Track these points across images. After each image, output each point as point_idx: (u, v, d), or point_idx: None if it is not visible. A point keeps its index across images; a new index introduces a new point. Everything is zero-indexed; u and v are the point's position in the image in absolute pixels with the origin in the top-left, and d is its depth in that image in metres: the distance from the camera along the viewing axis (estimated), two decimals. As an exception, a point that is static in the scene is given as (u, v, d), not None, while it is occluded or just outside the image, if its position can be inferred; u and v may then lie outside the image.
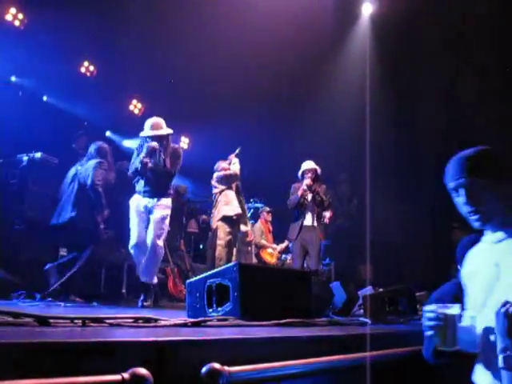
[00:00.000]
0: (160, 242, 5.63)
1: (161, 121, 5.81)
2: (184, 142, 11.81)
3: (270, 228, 9.24)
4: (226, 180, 7.00)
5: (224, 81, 9.48)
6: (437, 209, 10.11)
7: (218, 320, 2.87)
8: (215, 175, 7.07)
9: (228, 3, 8.13)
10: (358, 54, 9.28)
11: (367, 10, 9.64)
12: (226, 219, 6.83)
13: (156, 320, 2.57)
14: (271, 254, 8.90)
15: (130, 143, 11.19)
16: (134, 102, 10.84)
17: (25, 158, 6.54)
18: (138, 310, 4.52)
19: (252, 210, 9.54)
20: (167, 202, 5.72)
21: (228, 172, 7.02)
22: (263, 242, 8.88)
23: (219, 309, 3.17)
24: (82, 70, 9.66)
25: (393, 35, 9.28)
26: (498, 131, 9.25)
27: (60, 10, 8.14)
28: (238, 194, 7.10)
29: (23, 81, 8.93)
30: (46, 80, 8.90)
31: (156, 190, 5.68)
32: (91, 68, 9.75)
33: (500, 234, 1.95)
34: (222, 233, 6.78)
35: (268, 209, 9.23)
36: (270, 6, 8.27)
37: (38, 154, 6.50)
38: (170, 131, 5.80)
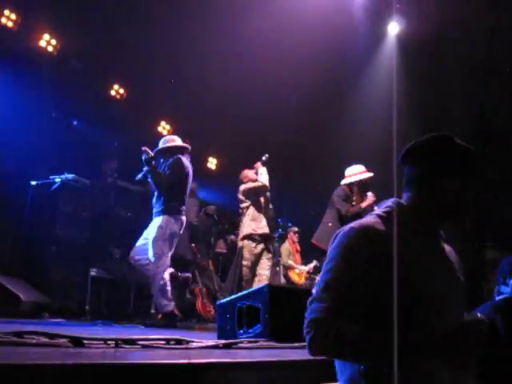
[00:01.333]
0: (154, 267, 5.45)
1: (173, 137, 5.86)
2: (212, 163, 11.90)
3: (298, 248, 9.21)
4: (255, 193, 6.35)
5: (252, 101, 9.55)
6: (467, 227, 9.97)
7: (249, 342, 2.86)
8: (242, 188, 6.41)
9: (255, 24, 8.21)
10: (384, 73, 9.27)
11: (393, 29, 9.64)
12: (251, 237, 6.26)
13: (187, 341, 2.58)
14: (299, 274, 8.86)
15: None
16: (163, 123, 10.98)
17: (57, 180, 6.67)
18: (169, 331, 4.52)
19: (280, 231, 9.53)
20: (158, 220, 5.49)
21: (256, 184, 6.32)
22: (290, 262, 8.84)
23: (249, 330, 3.16)
24: (112, 92, 9.84)
25: (419, 55, 9.26)
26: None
27: (91, 35, 8.36)
28: (266, 206, 6.48)
29: (55, 104, 9.13)
30: (78, 103, 9.09)
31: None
32: (121, 91, 9.93)
33: None
34: (248, 252, 6.23)
35: (296, 229, 9.20)
36: (295, 26, 8.33)
37: (70, 176, 6.62)
38: (168, 145, 5.69)
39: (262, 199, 6.42)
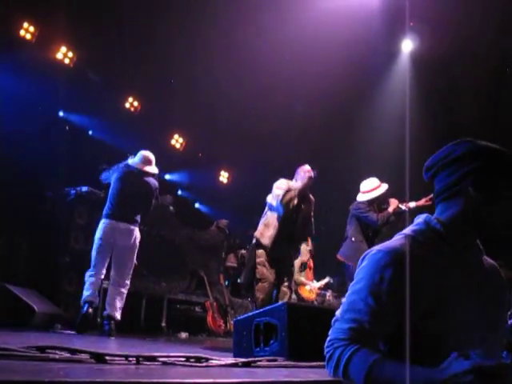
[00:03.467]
0: None
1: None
2: (224, 177, 11.94)
3: (311, 265, 9.17)
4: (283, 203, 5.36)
5: (264, 116, 9.59)
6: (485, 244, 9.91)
7: (268, 360, 2.85)
8: (275, 193, 5.51)
9: (270, 40, 8.27)
10: (397, 91, 9.29)
11: (407, 47, 9.68)
12: (258, 244, 5.45)
13: (207, 359, 2.58)
14: (310, 290, 8.81)
15: (170, 176, 11.38)
16: (176, 136, 11.05)
17: (72, 192, 6.72)
18: (186, 348, 4.51)
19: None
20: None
21: (288, 194, 5.41)
22: (302, 278, 8.80)
23: (266, 348, 3.15)
24: (127, 105, 9.93)
25: (433, 72, 9.28)
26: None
27: (107, 47, 8.45)
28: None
29: (70, 116, 9.22)
30: (93, 115, 9.19)
31: None
32: (135, 103, 10.02)
33: None
34: (266, 270, 5.33)
35: (308, 247, 9.13)
36: (309, 44, 8.37)
37: (85, 188, 6.66)
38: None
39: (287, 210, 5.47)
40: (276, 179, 5.68)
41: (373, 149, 9.60)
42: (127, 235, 5.57)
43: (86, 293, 5.38)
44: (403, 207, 6.23)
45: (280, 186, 5.48)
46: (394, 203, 6.13)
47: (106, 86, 9.16)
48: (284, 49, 8.47)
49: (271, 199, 5.50)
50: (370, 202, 6.17)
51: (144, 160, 5.86)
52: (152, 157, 5.96)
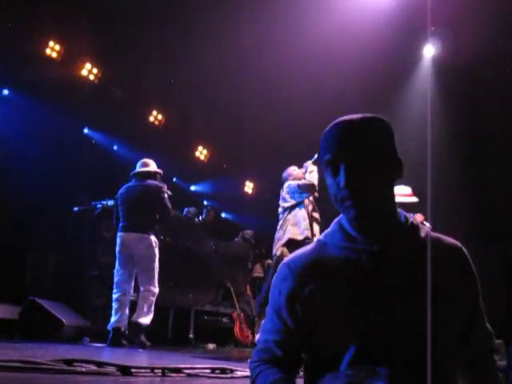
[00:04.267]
0: None
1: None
2: (249, 187, 11.97)
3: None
4: (301, 192, 5.54)
5: (288, 128, 9.61)
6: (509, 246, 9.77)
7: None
8: (287, 184, 5.63)
9: (293, 52, 8.30)
10: (420, 96, 9.23)
11: (429, 52, 9.61)
12: (292, 244, 5.30)
13: (232, 371, 2.59)
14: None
15: (195, 187, 11.45)
16: (200, 148, 11.13)
17: (99, 206, 6.82)
18: (212, 360, 4.52)
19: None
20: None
21: (305, 181, 5.57)
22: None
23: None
24: (151, 118, 10.04)
25: (456, 77, 9.19)
26: None
27: (131, 62, 8.58)
28: (313, 211, 5.67)
29: (95, 132, 9.36)
30: (117, 130, 9.31)
31: None
32: (159, 117, 10.13)
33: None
34: None
35: None
36: (329, 49, 8.36)
37: (111, 202, 6.75)
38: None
39: (306, 201, 5.62)
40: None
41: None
42: (140, 244, 5.63)
43: (112, 319, 5.48)
44: (427, 224, 6.18)
45: (297, 176, 5.71)
46: (418, 218, 5.89)
47: (130, 101, 9.29)
48: (308, 59, 8.48)
49: (295, 191, 5.55)
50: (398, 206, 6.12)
51: (141, 164, 6.00)
52: (150, 161, 6.05)
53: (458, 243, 1.47)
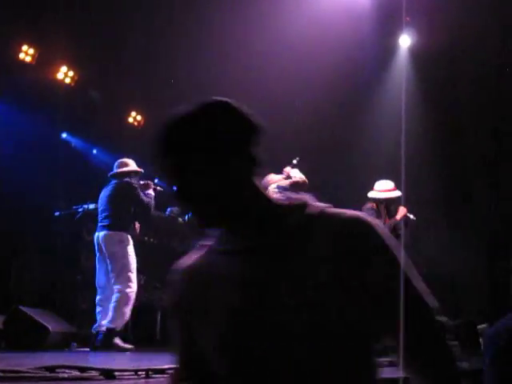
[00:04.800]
0: None
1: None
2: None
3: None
4: (292, 189, 5.44)
5: (264, 116, 9.60)
6: (491, 231, 9.87)
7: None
8: (275, 186, 5.51)
9: (267, 43, 8.28)
10: (398, 86, 9.28)
11: (405, 42, 9.66)
12: None
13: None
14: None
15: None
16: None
17: (79, 210, 6.77)
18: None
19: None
20: None
21: (294, 179, 5.62)
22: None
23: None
24: (130, 120, 9.96)
25: (433, 66, 9.26)
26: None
27: (107, 64, 8.51)
28: None
29: (74, 136, 9.27)
30: (96, 133, 9.23)
31: None
32: (139, 118, 10.04)
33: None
34: None
35: None
36: (305, 43, 8.36)
37: (92, 205, 6.70)
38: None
39: None
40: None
41: (374, 145, 9.58)
42: (110, 241, 5.60)
43: (97, 323, 5.49)
44: (411, 216, 6.29)
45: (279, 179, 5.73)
46: (402, 211, 6.16)
47: (108, 102, 9.20)
48: (284, 53, 8.47)
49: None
50: (380, 202, 6.19)
51: (117, 165, 5.99)
52: (127, 160, 6.05)
53: (363, 216, 1.19)
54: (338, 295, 1.10)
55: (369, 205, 6.22)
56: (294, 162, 6.02)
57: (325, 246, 1.13)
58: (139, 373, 2.37)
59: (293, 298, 1.09)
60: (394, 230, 6.09)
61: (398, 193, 6.19)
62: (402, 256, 1.17)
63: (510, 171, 9.18)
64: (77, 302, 6.37)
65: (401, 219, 6.13)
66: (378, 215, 6.12)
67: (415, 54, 9.61)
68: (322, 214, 1.17)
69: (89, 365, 2.38)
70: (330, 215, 1.17)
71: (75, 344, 5.53)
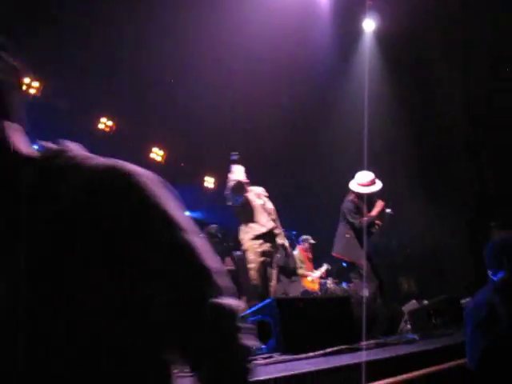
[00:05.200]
0: None
1: None
2: (209, 182, 11.92)
3: (310, 256, 9.15)
4: (234, 193, 5.78)
5: (242, 120, 9.63)
6: (471, 207, 9.98)
7: (264, 358, 2.84)
8: (226, 194, 5.95)
9: (232, 41, 8.25)
10: (364, 71, 9.33)
11: (369, 26, 9.70)
12: (255, 238, 5.77)
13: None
14: (313, 281, 8.82)
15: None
16: (156, 149, 11.00)
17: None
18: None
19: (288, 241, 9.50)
20: None
21: (230, 184, 5.83)
22: (302, 271, 8.80)
23: (263, 346, 3.14)
24: (101, 126, 9.86)
25: (400, 47, 9.32)
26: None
27: (72, 70, 8.40)
28: (261, 205, 5.92)
29: (43, 146, 9.13)
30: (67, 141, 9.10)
31: None
32: (109, 123, 9.95)
33: None
34: (252, 254, 5.76)
35: (311, 240, 9.08)
36: (265, 33, 8.33)
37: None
38: None
39: (252, 198, 5.89)
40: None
41: (344, 132, 9.61)
42: None
43: None
44: (388, 210, 6.42)
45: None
46: (379, 205, 6.30)
47: (76, 110, 9.10)
48: (243, 41, 8.40)
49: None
50: (358, 195, 6.28)
51: None
52: None
53: (119, 165, 0.92)
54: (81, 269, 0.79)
55: (350, 197, 6.34)
56: (231, 158, 6.02)
57: (56, 207, 0.82)
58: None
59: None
60: (372, 225, 6.30)
61: (378, 186, 6.31)
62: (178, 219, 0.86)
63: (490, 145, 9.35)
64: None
65: (377, 214, 6.26)
66: (358, 211, 6.26)
67: (380, 37, 9.67)
68: (67, 165, 0.90)
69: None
70: (77, 165, 0.90)
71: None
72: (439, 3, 8.58)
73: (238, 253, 9.21)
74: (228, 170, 6.13)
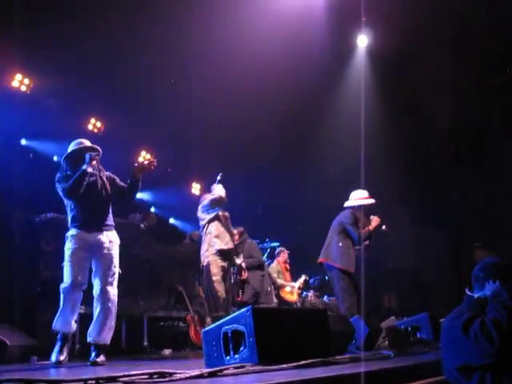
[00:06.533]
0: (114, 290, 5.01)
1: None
2: (196, 188, 11.86)
3: (288, 267, 9.17)
4: (212, 205, 6.53)
5: (232, 126, 9.63)
6: (456, 228, 10.04)
7: (235, 368, 2.81)
8: (200, 206, 6.66)
9: (222, 48, 8.28)
10: (356, 86, 9.38)
11: (362, 42, 9.78)
12: (217, 253, 6.42)
13: (171, 374, 2.53)
14: (291, 292, 8.80)
15: (141, 195, 11.25)
16: (143, 153, 10.93)
17: (37, 220, 6.61)
18: (156, 364, 4.43)
19: (268, 250, 9.49)
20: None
21: (212, 196, 6.53)
22: (280, 281, 8.79)
23: (236, 356, 3.11)
24: (90, 127, 9.79)
25: (390, 65, 9.40)
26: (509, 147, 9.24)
27: (63, 70, 8.35)
28: (227, 226, 6.64)
29: (33, 143, 9.06)
30: (56, 140, 9.03)
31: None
32: (98, 124, 9.88)
33: None
34: (215, 267, 6.37)
35: (287, 251, 9.15)
36: (263, 45, 8.36)
37: (50, 215, 6.55)
38: None
39: (220, 213, 6.60)
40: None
41: (338, 146, 9.67)
42: (116, 242, 5.26)
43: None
44: (384, 227, 6.63)
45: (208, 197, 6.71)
46: (376, 221, 6.54)
47: (66, 110, 9.03)
48: (240, 52, 8.44)
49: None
50: (357, 209, 6.57)
51: None
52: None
53: None
54: None
55: (349, 214, 6.60)
56: (218, 178, 6.65)
57: None
58: (89, 382, 2.30)
59: None
60: (369, 239, 6.57)
61: (371, 201, 6.57)
62: None
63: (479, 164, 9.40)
64: (37, 314, 6.20)
65: (374, 229, 6.51)
66: (355, 223, 6.51)
67: (373, 53, 9.75)
68: None
69: (35, 377, 2.30)
70: None
71: (35, 358, 5.36)
72: (431, 21, 8.67)
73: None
74: (214, 180, 6.71)
